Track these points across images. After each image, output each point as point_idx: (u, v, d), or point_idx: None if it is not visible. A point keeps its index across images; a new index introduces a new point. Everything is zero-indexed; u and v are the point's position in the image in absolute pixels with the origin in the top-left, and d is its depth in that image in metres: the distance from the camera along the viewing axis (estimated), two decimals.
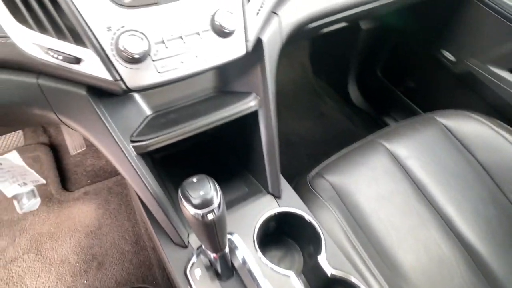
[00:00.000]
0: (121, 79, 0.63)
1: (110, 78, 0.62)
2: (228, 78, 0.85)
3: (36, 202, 0.66)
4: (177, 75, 0.66)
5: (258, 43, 0.76)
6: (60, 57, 0.59)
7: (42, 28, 0.58)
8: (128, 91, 0.64)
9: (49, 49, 0.59)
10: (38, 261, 1.33)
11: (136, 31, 0.60)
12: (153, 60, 0.63)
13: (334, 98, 1.92)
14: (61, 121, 0.67)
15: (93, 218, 1.43)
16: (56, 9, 0.57)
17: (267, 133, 0.83)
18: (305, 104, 1.91)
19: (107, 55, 0.60)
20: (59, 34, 0.59)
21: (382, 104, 1.74)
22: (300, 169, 1.06)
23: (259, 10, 0.73)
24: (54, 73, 0.62)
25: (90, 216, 1.44)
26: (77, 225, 1.42)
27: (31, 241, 1.38)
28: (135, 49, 0.59)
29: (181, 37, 0.64)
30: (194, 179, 0.55)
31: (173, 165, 0.99)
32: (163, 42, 0.63)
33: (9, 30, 0.56)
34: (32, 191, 0.67)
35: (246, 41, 0.71)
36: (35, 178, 0.66)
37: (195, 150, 1.05)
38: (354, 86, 1.80)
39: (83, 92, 0.65)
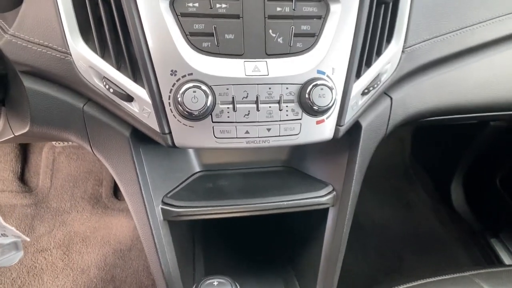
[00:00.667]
0: (170, 133, 0.50)
1: (157, 128, 0.50)
2: (304, 155, 0.68)
3: (15, 256, 0.58)
4: (237, 145, 0.51)
5: (355, 128, 0.58)
6: (111, 90, 0.49)
7: (104, 54, 0.49)
8: (173, 147, 0.51)
9: (104, 77, 0.49)
10: (62, 260, 1.29)
11: (204, 83, 0.47)
12: (213, 122, 0.49)
13: (428, 190, 1.62)
14: (95, 154, 0.58)
15: (127, 236, 1.36)
16: (125, 37, 0.48)
17: (333, 238, 0.64)
18: (391, 187, 1.64)
19: (162, 102, 0.48)
20: (120, 64, 0.49)
21: (492, 220, 1.39)
22: (361, 268, 0.82)
23: (369, 89, 0.56)
24: (102, 104, 0.53)
25: (126, 233, 1.37)
26: (111, 237, 1.36)
27: (65, 237, 1.35)
28: (196, 105, 0.46)
29: (256, 102, 0.50)
30: (215, 282, 0.45)
31: (209, 224, 0.84)
32: (232, 103, 0.49)
33: (72, 46, 0.48)
34: (15, 243, 0.59)
35: (338, 124, 0.54)
36: (16, 233, 0.58)
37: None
38: (459, 187, 1.48)
39: (126, 133, 0.54)
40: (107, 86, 0.49)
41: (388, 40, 0.57)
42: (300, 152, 0.68)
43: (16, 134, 0.57)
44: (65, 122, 0.54)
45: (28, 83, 0.52)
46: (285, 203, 0.59)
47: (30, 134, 0.56)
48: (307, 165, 0.67)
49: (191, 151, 0.66)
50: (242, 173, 0.67)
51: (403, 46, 0.58)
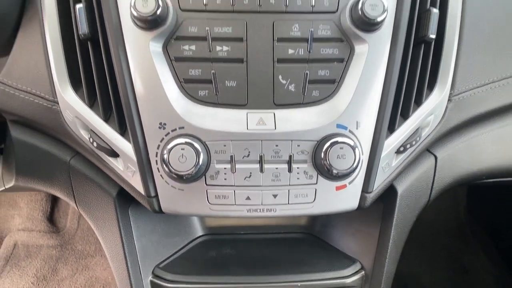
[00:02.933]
0: (156, 196, 0.42)
1: (142, 190, 0.42)
2: (327, 221, 0.57)
3: None
4: (235, 214, 0.42)
5: (388, 194, 0.47)
6: (95, 144, 0.43)
7: (93, 104, 0.44)
8: (159, 212, 0.43)
9: (90, 129, 0.43)
10: None
11: (197, 138, 0.39)
12: (206, 184, 0.41)
13: (490, 254, 1.39)
14: (80, 213, 0.51)
15: None
16: (113, 84, 0.42)
17: None
18: (444, 247, 1.43)
19: (148, 159, 0.41)
20: (108, 115, 0.44)
21: None
22: None
23: (406, 146, 0.45)
24: (89, 159, 0.47)
25: None
26: None
27: (87, 282, 1.31)
28: (184, 165, 0.38)
29: (260, 162, 0.41)
30: None
31: None
32: (231, 162, 0.40)
33: (60, 94, 0.43)
34: None
35: (365, 191, 0.43)
36: None
37: None
38: None
39: (112, 192, 0.47)
40: (91, 140, 0.43)
41: (431, 87, 0.46)
42: (323, 217, 0.57)
43: (6, 187, 0.53)
44: (51, 176, 0.49)
45: (16, 133, 0.48)
46: (299, 284, 0.47)
47: (17, 187, 0.51)
48: (331, 234, 0.56)
49: None
50: (252, 240, 0.57)
51: (450, 93, 0.47)
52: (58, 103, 0.44)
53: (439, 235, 1.47)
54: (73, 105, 0.43)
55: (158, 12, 0.37)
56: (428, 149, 0.49)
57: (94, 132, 0.43)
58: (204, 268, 0.50)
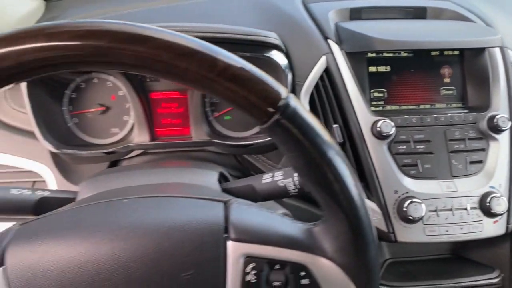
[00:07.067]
0: (393, 232, 0.72)
1: (385, 229, 0.72)
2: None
3: None
4: (441, 240, 0.72)
5: None
6: None
7: None
8: (394, 242, 0.72)
9: None
10: None
11: (416, 198, 0.71)
12: (424, 224, 0.71)
13: None
14: None
15: None
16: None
17: None
18: None
19: (387, 212, 0.71)
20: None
21: None
22: None
23: None
24: None
25: None
26: None
27: None
28: (415, 213, 0.69)
29: (451, 210, 0.72)
30: None
31: None
32: (435, 211, 0.71)
33: None
34: None
35: (508, 223, 0.74)
36: None
37: None
38: None
39: None
40: None
41: None
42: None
43: None
44: None
45: None
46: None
47: None
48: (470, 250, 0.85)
49: None
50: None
51: None
52: None
53: None
54: None
55: (391, 132, 0.70)
56: None
57: None
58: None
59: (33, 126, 0.69)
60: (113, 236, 0.40)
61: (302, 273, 0.41)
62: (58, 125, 0.75)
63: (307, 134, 0.36)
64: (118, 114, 0.78)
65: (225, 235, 0.41)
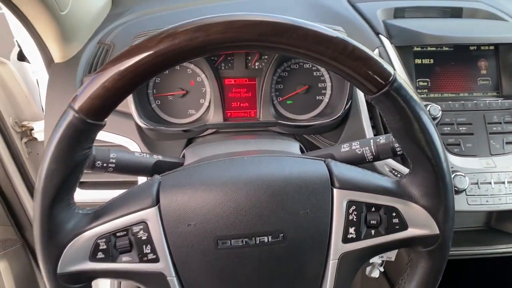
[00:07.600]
0: None
1: None
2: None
3: None
4: (482, 209, 0.82)
5: None
6: None
7: None
8: None
9: None
10: None
11: (460, 172, 0.81)
12: (466, 195, 0.82)
13: None
14: None
15: None
16: None
17: None
18: None
19: None
20: None
21: None
22: None
23: None
24: None
25: None
26: None
27: None
28: (460, 185, 0.79)
29: (490, 183, 0.82)
30: None
31: None
32: (477, 183, 0.82)
33: None
34: None
35: None
36: None
37: None
38: None
39: None
40: None
41: None
42: None
43: None
44: None
45: None
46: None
47: None
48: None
49: None
50: None
51: None
52: None
53: None
54: None
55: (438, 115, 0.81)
56: None
57: None
58: None
59: (130, 108, 0.79)
60: (247, 181, 0.51)
61: (393, 214, 0.52)
62: (146, 106, 0.85)
63: (409, 102, 0.46)
64: (196, 97, 0.88)
65: (331, 185, 0.52)
